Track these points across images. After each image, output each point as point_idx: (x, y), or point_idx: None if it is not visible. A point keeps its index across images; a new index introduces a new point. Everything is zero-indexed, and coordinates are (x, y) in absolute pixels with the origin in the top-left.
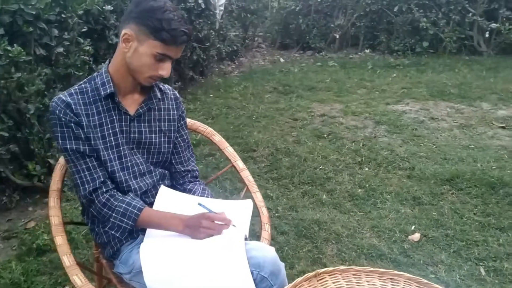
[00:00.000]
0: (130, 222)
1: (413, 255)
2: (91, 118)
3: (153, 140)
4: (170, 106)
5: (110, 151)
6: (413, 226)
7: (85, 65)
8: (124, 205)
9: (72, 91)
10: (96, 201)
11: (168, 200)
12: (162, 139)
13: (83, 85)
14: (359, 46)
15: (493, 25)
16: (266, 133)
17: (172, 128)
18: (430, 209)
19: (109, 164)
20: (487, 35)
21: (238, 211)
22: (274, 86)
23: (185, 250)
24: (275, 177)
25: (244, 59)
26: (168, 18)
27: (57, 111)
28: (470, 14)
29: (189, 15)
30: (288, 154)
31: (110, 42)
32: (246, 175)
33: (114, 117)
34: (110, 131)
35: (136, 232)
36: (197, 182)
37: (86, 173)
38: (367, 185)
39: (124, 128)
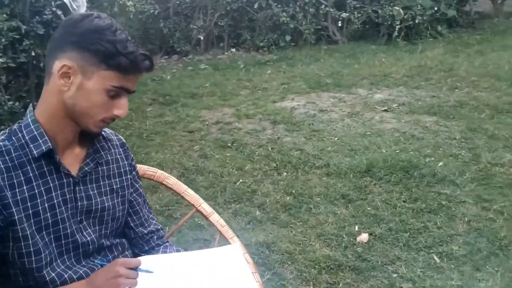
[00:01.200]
0: None
1: (369, 257)
2: (17, 190)
3: (105, 204)
4: (118, 156)
5: (45, 233)
6: (357, 226)
7: None
8: None
9: None
10: None
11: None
12: (116, 201)
13: (1, 143)
14: (224, 45)
15: (344, 15)
16: (166, 152)
17: (124, 183)
18: (363, 205)
19: (42, 255)
20: (339, 24)
21: (229, 261)
22: (152, 98)
23: None
24: None
25: None
26: (122, 39)
27: None
28: (323, 6)
29: (47, 29)
30: (200, 172)
31: None
32: (216, 219)
33: (51, 184)
34: (46, 205)
35: None
36: (167, 243)
37: None
38: (294, 191)
39: (67, 196)
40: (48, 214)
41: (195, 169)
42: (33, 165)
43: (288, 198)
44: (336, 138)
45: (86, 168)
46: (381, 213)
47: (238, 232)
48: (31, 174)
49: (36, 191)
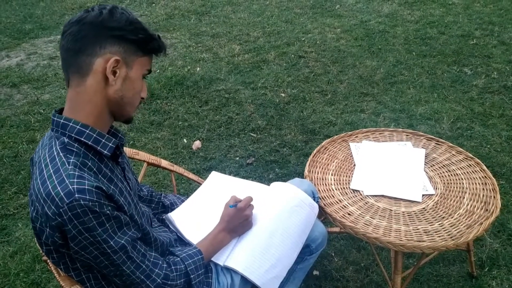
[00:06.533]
0: (201, 271)
1: (212, 156)
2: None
3: (134, 179)
4: None
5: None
6: (185, 139)
7: None
8: (186, 262)
9: (78, 173)
10: (170, 283)
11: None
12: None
13: (73, 160)
14: None
15: None
16: None
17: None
18: (174, 122)
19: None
20: None
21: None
22: None
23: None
24: None
25: None
26: (146, 26)
27: (94, 205)
28: None
29: None
30: None
31: None
32: (166, 164)
33: (119, 175)
34: (126, 194)
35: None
36: (160, 193)
37: (148, 262)
38: None
39: (124, 184)
40: (129, 199)
41: None
42: (102, 164)
43: None
44: None
45: (117, 152)
46: (192, 122)
47: None
48: (111, 175)
49: (120, 185)
